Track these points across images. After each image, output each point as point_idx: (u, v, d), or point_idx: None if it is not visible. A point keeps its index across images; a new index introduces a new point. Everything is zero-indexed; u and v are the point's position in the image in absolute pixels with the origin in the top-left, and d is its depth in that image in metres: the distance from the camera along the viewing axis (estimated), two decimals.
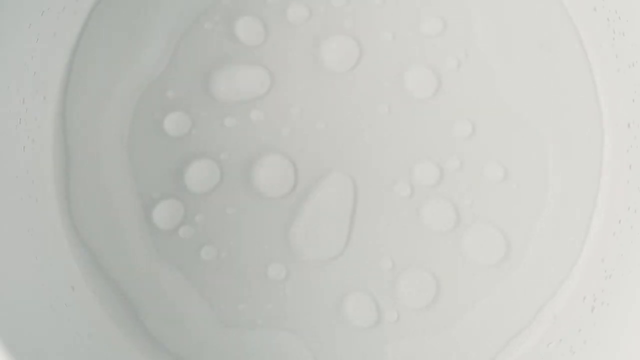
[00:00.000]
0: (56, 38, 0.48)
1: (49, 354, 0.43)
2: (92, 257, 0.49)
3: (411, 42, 0.49)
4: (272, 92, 0.49)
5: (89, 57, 0.49)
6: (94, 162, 0.49)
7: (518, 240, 0.49)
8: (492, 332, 0.49)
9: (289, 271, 0.48)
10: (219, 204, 0.48)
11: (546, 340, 0.49)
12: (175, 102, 0.49)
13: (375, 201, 0.48)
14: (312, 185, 0.48)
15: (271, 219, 0.48)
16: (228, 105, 0.49)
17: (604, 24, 0.48)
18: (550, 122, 0.50)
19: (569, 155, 0.50)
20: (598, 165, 0.50)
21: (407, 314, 0.49)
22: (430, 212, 0.49)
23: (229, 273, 0.49)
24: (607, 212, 0.49)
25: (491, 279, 0.49)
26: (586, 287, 0.49)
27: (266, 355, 0.49)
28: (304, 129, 0.48)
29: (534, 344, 0.49)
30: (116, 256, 0.49)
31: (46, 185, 0.49)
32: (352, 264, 0.48)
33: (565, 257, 0.49)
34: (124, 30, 0.50)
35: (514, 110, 0.50)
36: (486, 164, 0.49)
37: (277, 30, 0.49)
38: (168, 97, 0.49)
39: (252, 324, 0.49)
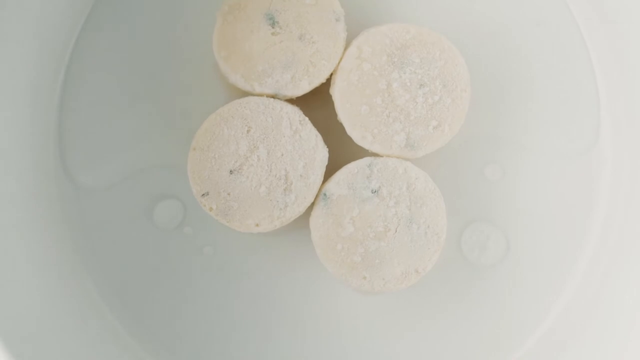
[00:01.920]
0: (52, 51, 0.48)
1: (49, 354, 0.43)
2: (93, 257, 0.49)
3: None
4: None
5: (85, 67, 0.49)
6: (92, 162, 0.49)
7: (518, 240, 0.49)
8: (493, 331, 0.49)
9: None
10: None
11: (546, 340, 0.48)
12: None
13: None
14: None
15: None
16: None
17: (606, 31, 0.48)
18: (551, 123, 0.50)
19: (569, 156, 0.50)
20: (599, 166, 0.50)
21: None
22: None
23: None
24: (607, 212, 0.49)
25: (491, 279, 0.49)
26: (586, 286, 0.49)
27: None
28: None
29: (534, 344, 0.49)
30: (118, 255, 0.49)
31: (47, 186, 0.49)
32: None
33: (565, 257, 0.49)
34: (119, 37, 0.50)
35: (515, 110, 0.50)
36: (486, 164, 0.50)
37: None
38: None
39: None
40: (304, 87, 0.46)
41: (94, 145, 0.49)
